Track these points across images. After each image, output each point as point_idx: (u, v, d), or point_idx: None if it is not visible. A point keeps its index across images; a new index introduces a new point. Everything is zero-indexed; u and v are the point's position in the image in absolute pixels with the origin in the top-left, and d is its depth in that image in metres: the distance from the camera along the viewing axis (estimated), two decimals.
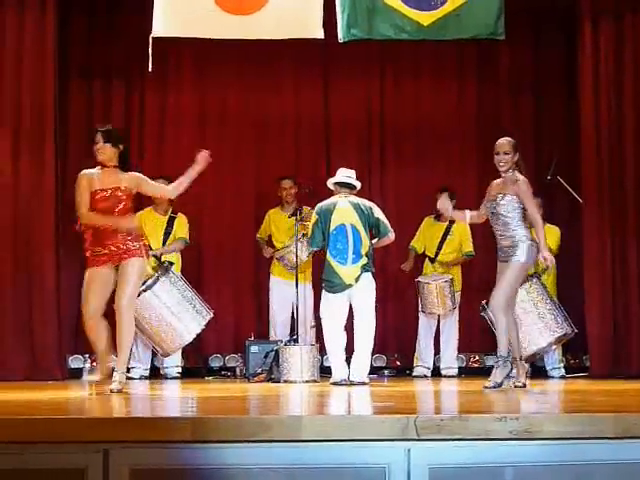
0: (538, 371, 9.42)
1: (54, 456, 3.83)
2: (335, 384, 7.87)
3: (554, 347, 9.18)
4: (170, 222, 9.42)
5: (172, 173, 9.66)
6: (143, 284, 8.75)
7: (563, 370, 9.38)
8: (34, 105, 8.83)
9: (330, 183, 8.29)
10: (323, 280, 8.08)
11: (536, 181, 9.84)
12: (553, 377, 9.26)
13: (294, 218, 9.16)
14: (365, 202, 8.17)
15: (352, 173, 8.31)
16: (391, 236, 8.18)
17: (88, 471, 3.82)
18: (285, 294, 9.48)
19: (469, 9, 8.16)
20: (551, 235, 9.35)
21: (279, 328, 9.48)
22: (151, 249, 9.29)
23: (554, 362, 9.38)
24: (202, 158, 6.98)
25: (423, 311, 9.42)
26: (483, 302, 8.88)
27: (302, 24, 8.09)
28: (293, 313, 9.35)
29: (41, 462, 3.84)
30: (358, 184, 8.29)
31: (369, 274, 8.00)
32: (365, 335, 7.97)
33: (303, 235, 8.89)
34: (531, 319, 8.82)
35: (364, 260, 7.97)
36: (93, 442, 3.84)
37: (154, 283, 8.77)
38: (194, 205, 9.93)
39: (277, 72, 10.27)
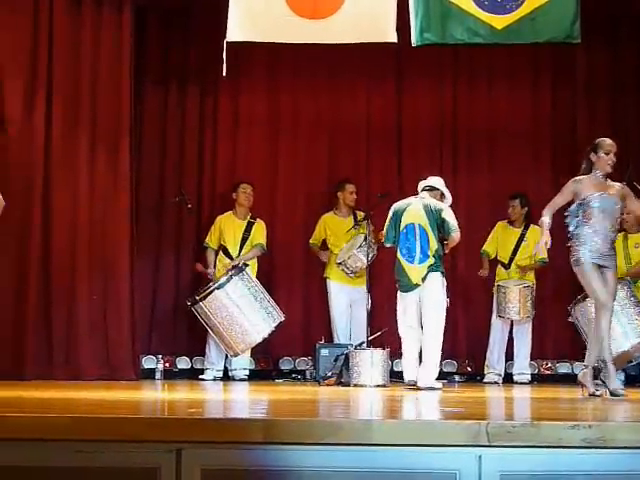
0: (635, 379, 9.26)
1: (128, 455, 3.88)
2: (406, 385, 7.89)
3: None
4: (248, 227, 9.53)
5: (245, 176, 9.85)
6: (216, 282, 8.87)
7: None
8: (110, 106, 8.96)
9: (419, 187, 8.38)
10: (396, 280, 8.16)
11: None
12: None
13: (363, 224, 9.19)
14: (437, 204, 8.17)
15: (440, 181, 8.37)
16: (454, 236, 8.10)
17: (161, 470, 3.86)
18: (344, 299, 9.52)
19: (544, 13, 8.05)
20: None
21: (341, 332, 9.51)
22: (228, 254, 9.44)
23: None
24: None
25: (500, 316, 9.31)
26: (569, 307, 8.82)
27: (376, 28, 8.07)
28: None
29: (115, 461, 3.89)
30: (443, 189, 8.31)
31: (437, 274, 8.02)
32: (432, 338, 7.97)
33: (365, 239, 8.95)
34: (617, 322, 8.64)
35: (431, 260, 8.00)
36: (166, 442, 3.88)
37: (227, 282, 8.85)
38: (266, 208, 10.00)
39: (350, 75, 10.28)
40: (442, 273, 8.06)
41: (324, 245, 9.78)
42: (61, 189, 8.82)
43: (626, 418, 4.97)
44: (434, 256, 8.01)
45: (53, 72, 8.82)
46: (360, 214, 9.48)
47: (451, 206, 8.28)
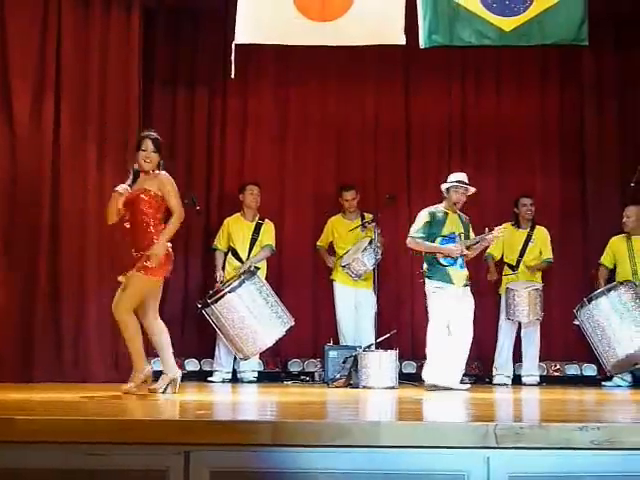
0: None
1: (137, 457, 3.89)
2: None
3: None
4: (257, 228, 9.53)
5: (253, 177, 9.86)
6: (228, 286, 8.86)
7: None
8: (119, 107, 8.97)
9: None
10: None
11: (619, 188, 9.78)
12: None
13: (370, 226, 9.23)
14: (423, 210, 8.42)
15: (451, 177, 8.50)
16: (407, 240, 8.35)
17: (169, 472, 3.87)
18: (350, 301, 9.53)
19: (552, 15, 8.05)
20: None
21: (347, 334, 9.51)
22: (237, 256, 9.43)
23: None
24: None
25: (509, 318, 9.30)
26: (574, 310, 8.79)
27: (384, 30, 8.07)
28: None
29: (124, 463, 3.91)
30: (443, 187, 8.43)
31: (426, 280, 8.27)
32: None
33: (370, 242, 9.00)
34: (623, 325, 8.59)
35: (423, 267, 8.32)
36: (175, 444, 3.90)
37: (239, 285, 8.82)
38: (274, 210, 10.00)
39: (358, 77, 10.28)
40: (429, 278, 8.27)
41: (331, 248, 9.79)
42: (69, 190, 8.82)
43: (635, 419, 4.97)
44: (425, 263, 8.30)
45: (61, 73, 8.81)
46: (368, 216, 9.49)
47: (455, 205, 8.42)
